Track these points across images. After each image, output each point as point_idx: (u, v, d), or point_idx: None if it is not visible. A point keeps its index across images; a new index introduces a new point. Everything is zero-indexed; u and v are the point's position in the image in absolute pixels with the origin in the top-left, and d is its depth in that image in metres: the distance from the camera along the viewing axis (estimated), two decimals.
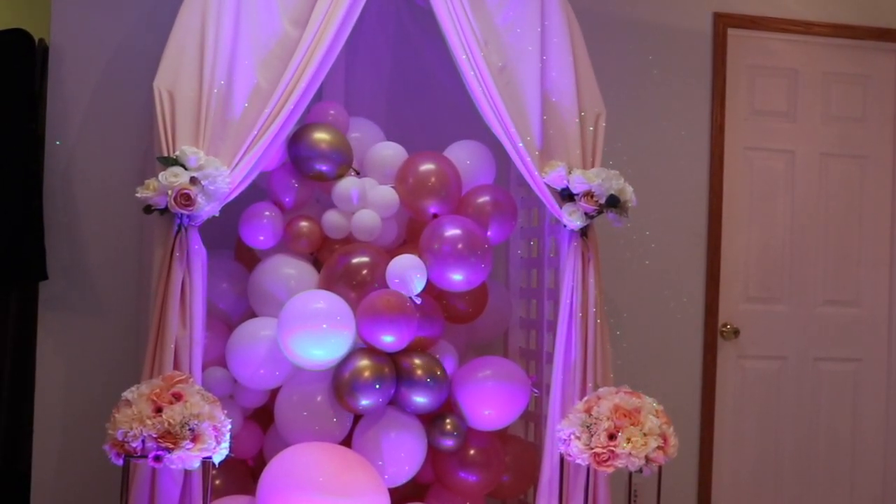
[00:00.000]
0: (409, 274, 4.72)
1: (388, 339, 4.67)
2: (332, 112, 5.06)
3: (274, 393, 4.85)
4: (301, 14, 4.62)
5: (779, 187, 6.38)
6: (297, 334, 4.54)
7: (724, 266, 6.20)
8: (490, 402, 4.95)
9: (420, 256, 4.82)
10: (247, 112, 4.50)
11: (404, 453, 4.77)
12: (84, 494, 5.21)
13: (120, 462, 3.97)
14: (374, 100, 5.55)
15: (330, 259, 4.86)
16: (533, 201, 5.29)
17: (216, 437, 4.01)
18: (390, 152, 5.07)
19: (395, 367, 4.75)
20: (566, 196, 4.82)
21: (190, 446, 3.92)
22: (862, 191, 6.50)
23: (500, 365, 5.07)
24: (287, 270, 4.85)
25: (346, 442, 4.78)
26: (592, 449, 4.45)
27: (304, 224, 4.89)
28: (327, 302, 4.63)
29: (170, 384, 4.05)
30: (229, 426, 4.13)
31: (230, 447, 4.15)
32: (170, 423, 3.90)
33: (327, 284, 4.78)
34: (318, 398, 4.71)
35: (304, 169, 4.87)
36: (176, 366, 4.31)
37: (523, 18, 4.88)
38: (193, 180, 4.30)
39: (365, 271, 4.79)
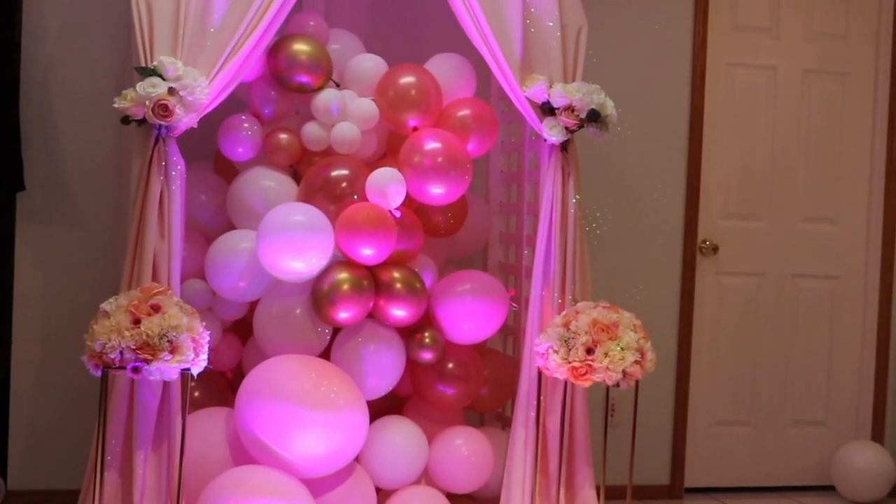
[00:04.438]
0: (388, 187, 4.70)
1: (367, 252, 4.67)
2: (311, 23, 5.02)
3: (253, 305, 4.86)
4: None
5: (760, 103, 6.36)
6: (276, 246, 4.52)
7: (703, 182, 6.20)
8: (469, 316, 4.97)
9: (400, 169, 4.80)
10: (225, 22, 4.45)
11: (383, 366, 4.80)
12: (63, 405, 5.23)
13: (98, 373, 3.98)
14: (355, 11, 5.49)
15: (309, 171, 4.84)
16: (513, 115, 5.27)
17: (195, 348, 4.01)
18: (370, 64, 5.03)
19: (374, 280, 4.76)
20: (547, 110, 4.80)
21: (168, 358, 3.92)
22: (843, 108, 6.49)
23: (479, 279, 5.09)
24: (266, 182, 4.83)
25: (325, 354, 4.80)
26: (570, 363, 4.48)
27: (283, 136, 4.86)
28: (306, 214, 4.61)
29: (148, 296, 4.05)
30: (208, 338, 4.14)
31: (209, 359, 4.15)
32: (148, 335, 3.90)
33: (306, 197, 4.77)
34: (297, 311, 4.72)
35: (283, 80, 4.84)
36: (154, 277, 4.31)
37: None
38: (171, 91, 4.27)
39: (344, 184, 4.77)
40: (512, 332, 5.40)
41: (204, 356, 4.09)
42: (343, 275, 4.67)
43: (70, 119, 5.24)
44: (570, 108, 4.75)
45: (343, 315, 4.66)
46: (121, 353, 3.89)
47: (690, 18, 6.14)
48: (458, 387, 5.00)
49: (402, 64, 5.01)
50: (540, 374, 4.76)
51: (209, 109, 4.44)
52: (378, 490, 4.80)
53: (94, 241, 5.27)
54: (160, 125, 4.30)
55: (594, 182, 5.77)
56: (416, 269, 4.91)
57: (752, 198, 6.36)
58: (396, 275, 4.78)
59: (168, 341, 3.93)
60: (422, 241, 4.94)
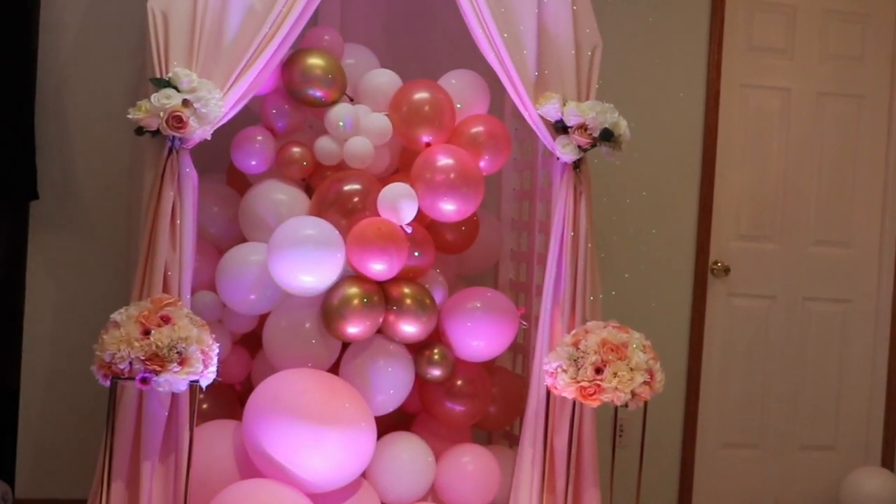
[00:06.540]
0: (400, 202, 4.70)
1: (378, 268, 4.66)
2: (326, 37, 5.02)
3: (263, 318, 4.85)
4: None
5: (774, 125, 6.35)
6: (287, 260, 4.53)
7: (716, 203, 6.20)
8: (478, 333, 4.95)
9: (412, 185, 4.80)
10: (241, 35, 4.46)
11: (391, 382, 4.79)
12: (72, 414, 5.24)
13: (107, 383, 3.99)
14: (370, 26, 5.50)
15: (321, 185, 4.84)
16: (526, 133, 5.26)
17: (204, 360, 4.01)
18: (384, 79, 5.03)
19: (384, 296, 4.75)
20: (560, 128, 4.80)
21: (177, 369, 3.93)
22: (858, 131, 6.48)
23: (489, 296, 5.07)
24: (278, 196, 4.83)
25: (334, 369, 4.79)
26: (579, 382, 4.46)
27: (296, 150, 4.86)
28: (318, 228, 4.61)
29: (158, 307, 4.06)
30: (217, 350, 4.14)
31: (218, 371, 4.16)
32: (157, 346, 3.90)
33: (318, 211, 4.77)
34: (307, 325, 4.71)
35: (297, 94, 4.84)
36: (165, 289, 4.31)
37: None
38: (186, 103, 4.28)
39: (356, 199, 4.77)
40: (521, 350, 5.39)
41: (213, 368, 4.10)
42: (353, 290, 4.66)
43: (84, 129, 5.26)
44: (583, 127, 4.75)
45: (352, 330, 4.65)
46: (130, 363, 3.90)
47: (705, 39, 6.14)
48: (466, 404, 4.98)
49: (416, 79, 5.01)
50: (548, 392, 4.75)
51: (223, 122, 4.45)
52: None
53: (105, 251, 5.28)
54: (174, 137, 4.30)
55: (606, 201, 5.77)
56: (427, 286, 4.91)
57: (765, 220, 6.35)
58: (407, 290, 4.78)
59: (177, 353, 3.93)
60: (433, 257, 4.93)
